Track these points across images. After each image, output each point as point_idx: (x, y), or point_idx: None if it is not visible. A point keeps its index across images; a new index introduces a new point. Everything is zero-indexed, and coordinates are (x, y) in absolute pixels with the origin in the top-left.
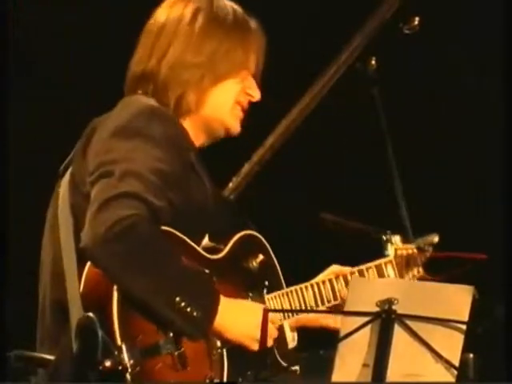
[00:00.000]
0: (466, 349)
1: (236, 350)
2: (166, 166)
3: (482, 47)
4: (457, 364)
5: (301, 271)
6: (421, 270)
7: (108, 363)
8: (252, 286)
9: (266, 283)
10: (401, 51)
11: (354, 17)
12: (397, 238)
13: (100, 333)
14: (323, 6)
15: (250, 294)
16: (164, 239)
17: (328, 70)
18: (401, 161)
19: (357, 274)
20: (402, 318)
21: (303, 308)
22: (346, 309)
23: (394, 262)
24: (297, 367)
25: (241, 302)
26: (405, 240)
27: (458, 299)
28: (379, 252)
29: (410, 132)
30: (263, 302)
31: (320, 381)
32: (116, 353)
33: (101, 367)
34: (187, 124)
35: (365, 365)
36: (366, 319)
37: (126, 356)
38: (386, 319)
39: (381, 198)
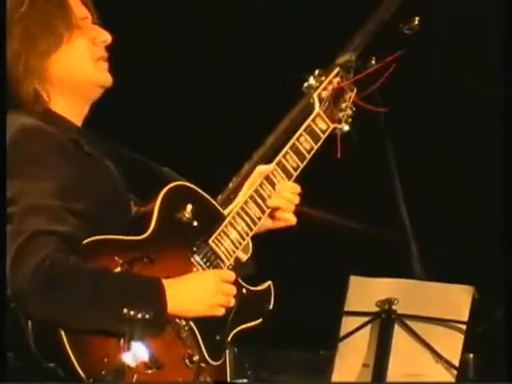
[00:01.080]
0: (466, 349)
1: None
2: (58, 181)
3: (482, 47)
4: (457, 364)
5: (300, 271)
6: (352, 94)
7: None
8: (194, 237)
9: (206, 227)
10: (401, 51)
11: (354, 17)
12: (316, 73)
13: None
14: (323, 5)
15: (195, 248)
16: (86, 263)
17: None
18: (400, 160)
19: (291, 152)
20: (402, 318)
21: (253, 223)
22: (347, 309)
23: (321, 113)
24: (263, 286)
25: (187, 278)
26: (324, 71)
27: (457, 299)
28: (386, 252)
29: (409, 132)
30: (210, 249)
31: (320, 381)
32: None
33: None
34: (62, 105)
35: (365, 365)
36: (366, 319)
37: None
38: (386, 319)
39: (380, 198)
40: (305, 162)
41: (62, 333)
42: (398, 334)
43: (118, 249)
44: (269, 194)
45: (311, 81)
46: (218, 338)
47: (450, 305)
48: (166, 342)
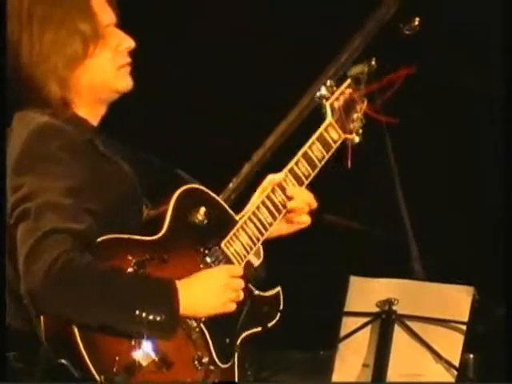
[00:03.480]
0: (466, 349)
1: (212, 319)
2: (74, 179)
3: (482, 47)
4: (457, 364)
5: (300, 271)
6: (364, 105)
7: None
8: (205, 240)
9: (218, 230)
10: (401, 52)
11: (354, 17)
12: (328, 84)
13: (78, 375)
14: (323, 6)
15: (206, 251)
16: (99, 262)
17: (327, 70)
18: (401, 160)
19: (303, 160)
20: (402, 319)
21: (264, 228)
22: (347, 309)
23: (333, 122)
24: (273, 291)
25: (196, 277)
26: (336, 82)
27: (458, 300)
28: (386, 253)
29: (410, 132)
30: (222, 252)
31: (320, 381)
32: None
33: None
34: (80, 106)
35: (365, 365)
36: (366, 320)
37: None
38: (386, 320)
39: (380, 198)
40: (316, 171)
41: (75, 329)
42: (398, 335)
43: (131, 248)
44: (280, 201)
45: (323, 91)
46: (227, 341)
47: (450, 305)
48: (176, 343)
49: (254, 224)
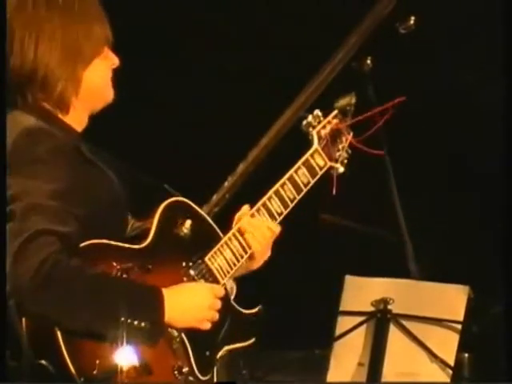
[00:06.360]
0: (461, 348)
1: (194, 331)
2: (61, 183)
3: (482, 47)
4: (452, 363)
5: (300, 271)
6: (349, 136)
7: None
8: (190, 253)
9: (203, 244)
10: (396, 51)
11: (349, 16)
12: (315, 113)
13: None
14: (320, 4)
15: (190, 264)
16: (87, 266)
17: (323, 69)
18: (398, 161)
19: (288, 183)
20: (397, 318)
21: (248, 247)
22: (342, 308)
23: (319, 149)
24: (254, 309)
25: (183, 288)
26: (323, 111)
27: (453, 299)
28: (382, 252)
29: (407, 132)
30: (206, 266)
31: (315, 380)
32: None
33: None
34: (73, 109)
35: (360, 364)
36: (361, 319)
37: None
38: (381, 319)
39: (376, 197)
40: (301, 195)
41: (58, 331)
42: (394, 334)
43: (116, 255)
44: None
45: (310, 119)
46: (207, 353)
47: (445, 304)
48: (157, 351)
49: (238, 241)
